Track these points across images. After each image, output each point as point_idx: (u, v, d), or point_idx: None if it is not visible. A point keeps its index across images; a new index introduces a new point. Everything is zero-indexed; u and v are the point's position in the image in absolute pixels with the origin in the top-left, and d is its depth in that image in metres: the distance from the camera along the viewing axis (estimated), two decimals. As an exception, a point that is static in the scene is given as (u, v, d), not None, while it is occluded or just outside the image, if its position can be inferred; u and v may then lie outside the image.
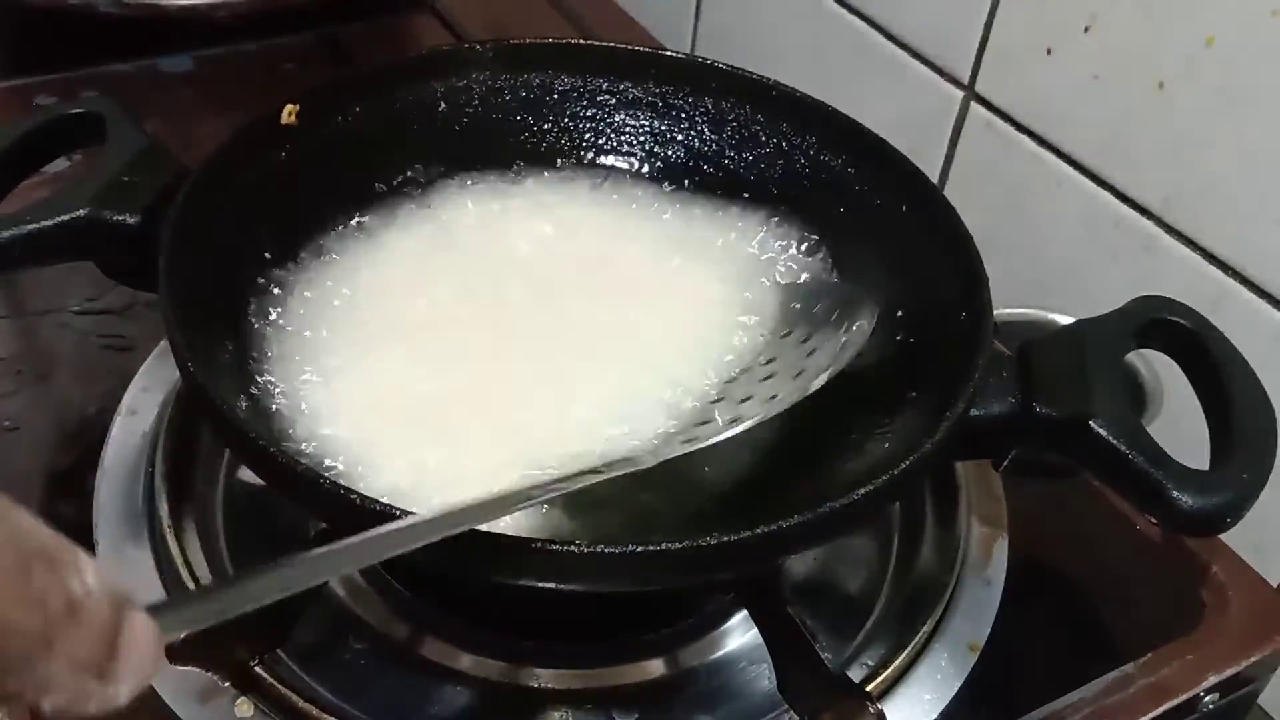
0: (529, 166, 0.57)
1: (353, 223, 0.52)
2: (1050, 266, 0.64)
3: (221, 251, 0.46)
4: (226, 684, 0.42)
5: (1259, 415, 0.43)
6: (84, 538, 0.45)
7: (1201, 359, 0.45)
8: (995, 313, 0.45)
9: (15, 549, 0.21)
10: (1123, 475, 0.42)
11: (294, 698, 0.41)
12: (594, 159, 0.58)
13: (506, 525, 0.39)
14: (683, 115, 0.57)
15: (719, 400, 0.45)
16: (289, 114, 0.50)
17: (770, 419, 0.42)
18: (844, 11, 0.72)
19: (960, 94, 0.66)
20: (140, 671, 0.23)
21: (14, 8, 0.73)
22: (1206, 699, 0.48)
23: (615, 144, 0.58)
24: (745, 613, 0.47)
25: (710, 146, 0.57)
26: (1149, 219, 0.59)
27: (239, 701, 0.41)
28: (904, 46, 0.69)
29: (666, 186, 0.57)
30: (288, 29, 0.78)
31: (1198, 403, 0.45)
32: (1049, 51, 0.61)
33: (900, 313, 0.49)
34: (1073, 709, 0.46)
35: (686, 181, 0.57)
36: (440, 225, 0.54)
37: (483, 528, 0.34)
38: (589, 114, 0.57)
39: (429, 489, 0.42)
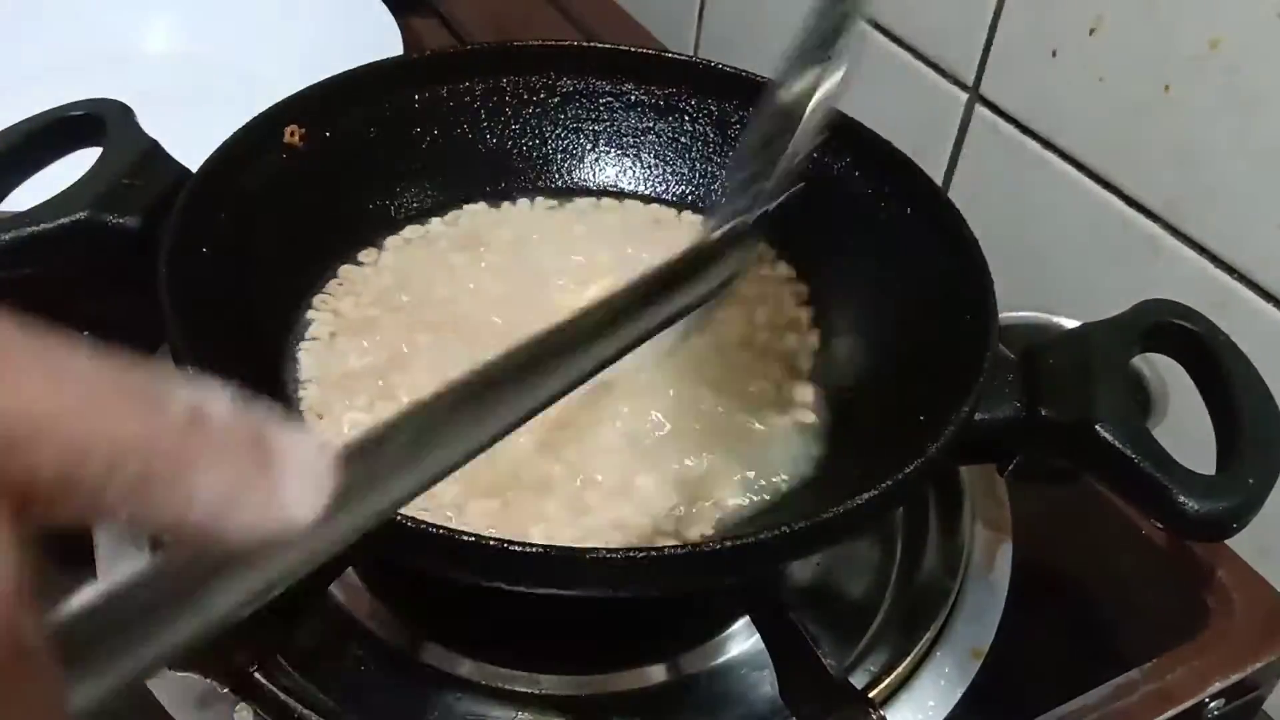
0: (530, 168, 0.57)
1: (354, 225, 0.52)
2: (1055, 269, 0.64)
3: (222, 255, 0.46)
4: (226, 690, 0.41)
5: (1265, 419, 0.43)
6: (83, 539, 0.45)
7: (1207, 363, 0.45)
8: (1000, 316, 0.45)
9: (107, 367, 0.18)
10: (1128, 480, 0.42)
11: (293, 704, 0.41)
12: (596, 162, 0.57)
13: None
14: (686, 117, 0.57)
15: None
16: (291, 134, 0.50)
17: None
18: (848, 13, 0.72)
19: (965, 96, 0.66)
20: (306, 479, 0.20)
21: None
22: (1212, 705, 0.48)
23: (618, 147, 0.57)
24: (747, 618, 0.46)
25: (712, 149, 0.57)
26: (1154, 222, 0.59)
27: (238, 708, 0.41)
28: (908, 48, 0.69)
29: (666, 193, 0.57)
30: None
31: (1203, 407, 0.45)
32: (1054, 54, 0.61)
33: (904, 316, 0.49)
34: (1077, 715, 0.46)
35: (688, 184, 0.57)
36: (442, 231, 0.54)
37: (483, 533, 0.34)
38: (591, 116, 0.57)
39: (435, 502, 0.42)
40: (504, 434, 0.27)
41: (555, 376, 0.29)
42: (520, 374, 0.28)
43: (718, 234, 0.39)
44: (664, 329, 0.35)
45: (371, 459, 0.22)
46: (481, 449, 0.26)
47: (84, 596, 0.19)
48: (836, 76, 0.40)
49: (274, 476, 0.20)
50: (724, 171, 0.51)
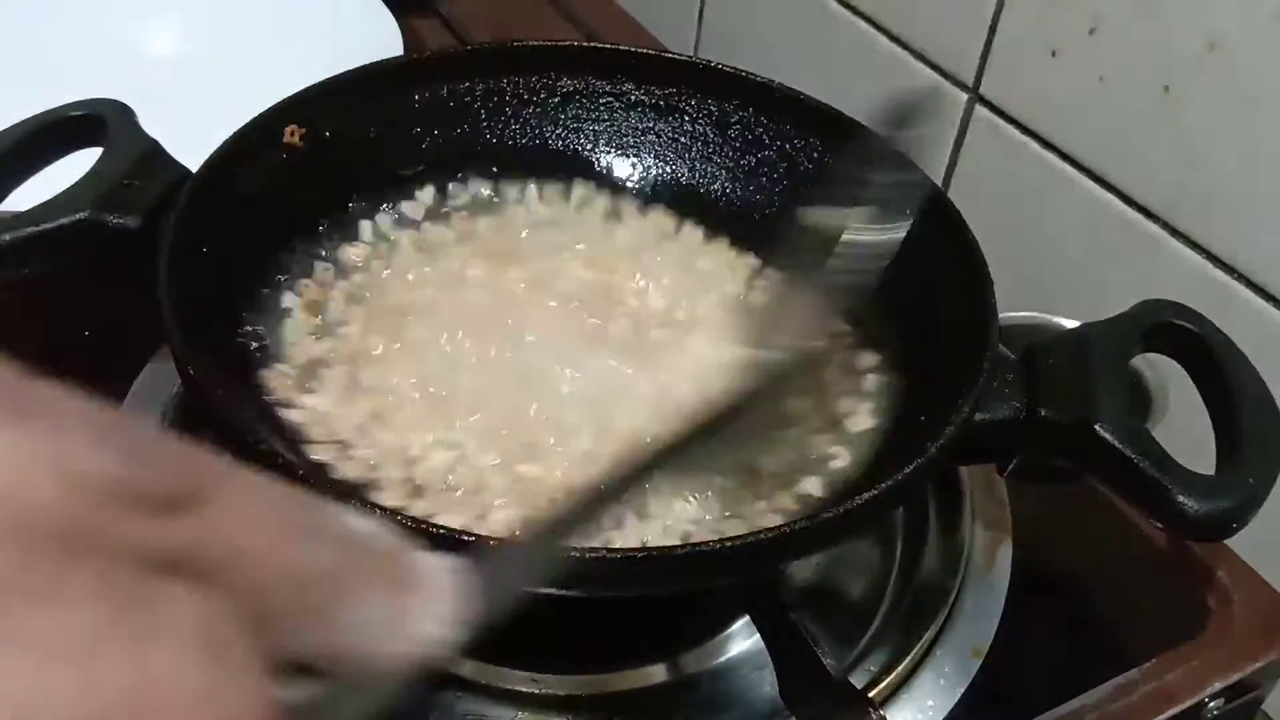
0: (531, 168, 0.57)
1: (355, 228, 0.52)
2: (1055, 269, 0.64)
3: (222, 256, 0.46)
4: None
5: (1265, 419, 0.43)
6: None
7: (1207, 363, 0.45)
8: (1000, 316, 0.45)
9: (285, 499, 0.20)
10: (1128, 479, 0.42)
11: (294, 703, 0.41)
12: (596, 163, 0.57)
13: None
14: (686, 117, 0.57)
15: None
16: (291, 134, 0.50)
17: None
18: (848, 13, 0.72)
19: (965, 96, 0.66)
20: (439, 597, 0.22)
21: None
22: (1211, 705, 0.48)
23: (618, 147, 0.57)
24: (747, 618, 0.46)
25: (712, 149, 0.57)
26: (1154, 222, 0.59)
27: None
28: (908, 48, 0.69)
29: (665, 193, 0.57)
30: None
31: (1203, 407, 0.45)
32: (1054, 54, 0.61)
33: (904, 316, 0.49)
34: (1076, 715, 0.46)
35: (687, 184, 0.57)
36: (442, 231, 0.54)
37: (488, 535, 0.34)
38: (591, 116, 0.57)
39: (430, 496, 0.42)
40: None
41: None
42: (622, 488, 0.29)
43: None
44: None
45: (496, 568, 0.24)
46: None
47: None
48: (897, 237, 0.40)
49: (421, 603, 0.21)
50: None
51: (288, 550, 0.20)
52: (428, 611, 0.21)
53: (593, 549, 0.38)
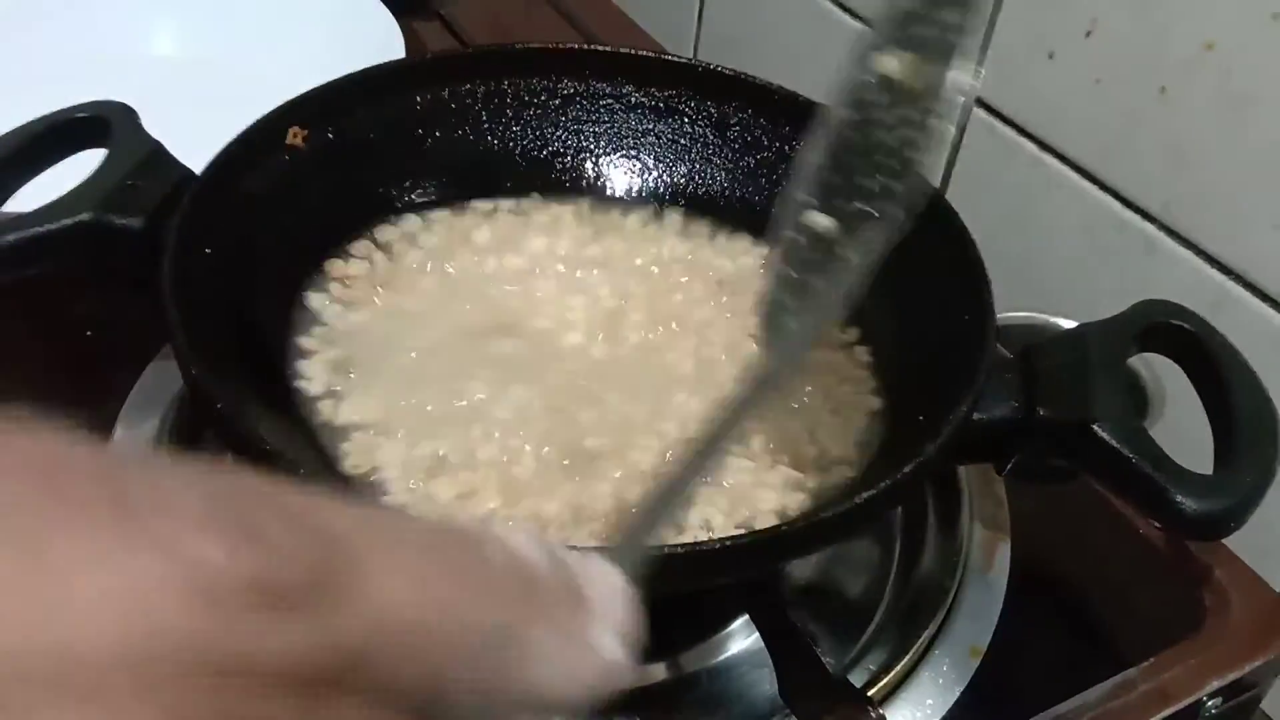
0: (531, 170, 0.57)
1: (357, 227, 0.52)
2: (1052, 270, 0.64)
3: (225, 257, 0.46)
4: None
5: (1262, 419, 0.43)
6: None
7: (1204, 363, 0.45)
8: (997, 316, 0.45)
9: (436, 539, 0.18)
10: (1125, 479, 0.42)
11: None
12: (596, 164, 0.58)
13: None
14: (685, 119, 0.57)
15: None
16: (294, 135, 0.50)
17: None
18: (846, 16, 0.72)
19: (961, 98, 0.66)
20: (615, 614, 0.20)
21: None
22: (1209, 704, 0.48)
23: (618, 149, 0.58)
24: (746, 617, 0.47)
25: (712, 151, 0.57)
26: (1150, 222, 0.59)
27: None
28: (906, 50, 0.69)
29: (665, 194, 0.57)
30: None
31: (1200, 407, 0.45)
32: (1050, 55, 0.61)
33: (901, 317, 0.49)
34: (1075, 714, 0.46)
35: (687, 185, 0.57)
36: (442, 231, 0.54)
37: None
38: (591, 118, 0.58)
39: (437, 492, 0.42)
40: None
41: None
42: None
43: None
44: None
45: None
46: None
47: None
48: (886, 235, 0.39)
49: (595, 625, 0.19)
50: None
51: (450, 611, 0.17)
52: (605, 630, 0.19)
53: (591, 550, 0.38)
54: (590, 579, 0.20)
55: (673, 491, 0.27)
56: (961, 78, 0.37)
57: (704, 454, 0.29)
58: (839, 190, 0.40)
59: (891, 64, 0.38)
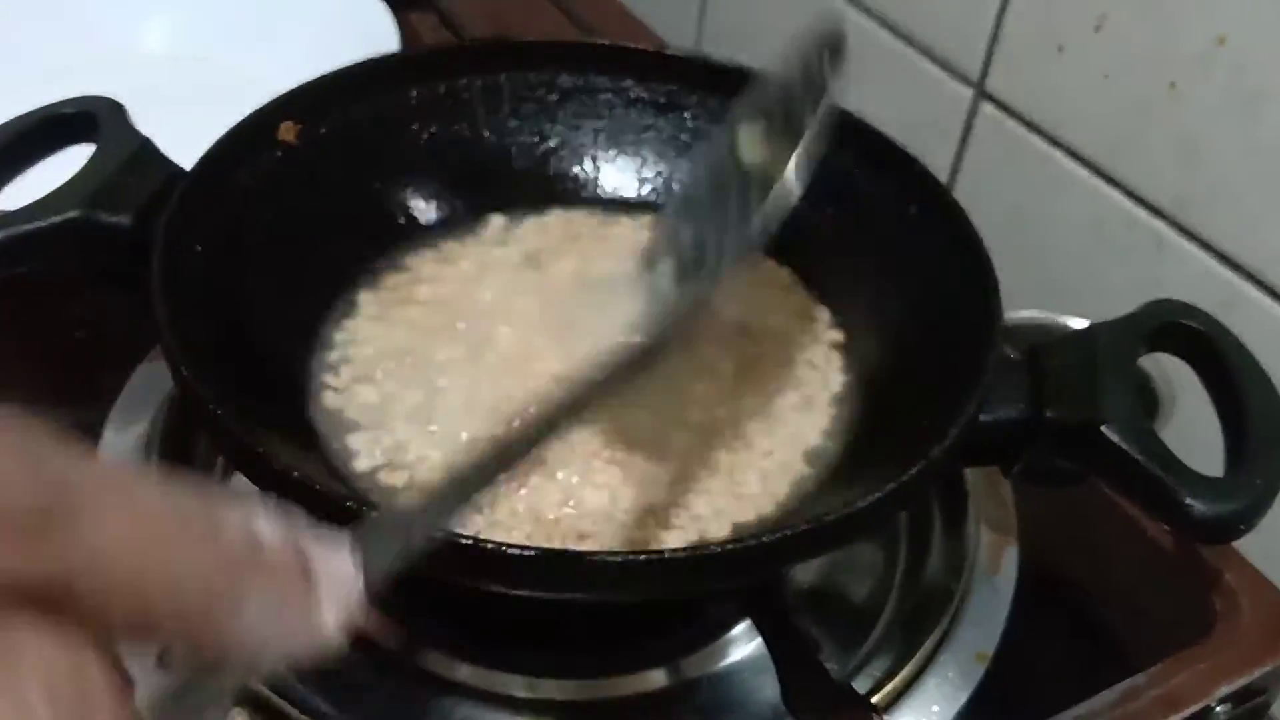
0: (529, 165, 0.56)
1: (349, 223, 0.52)
2: (1060, 268, 0.64)
3: (216, 255, 0.45)
4: (220, 694, 0.41)
5: (1274, 421, 0.43)
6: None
7: (1215, 363, 0.45)
8: (1005, 315, 0.45)
9: (169, 500, 0.20)
10: (1134, 481, 0.41)
11: (290, 709, 0.41)
12: (596, 159, 0.57)
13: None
14: (687, 114, 0.57)
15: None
16: (286, 131, 0.50)
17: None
18: (851, 8, 0.71)
19: (970, 92, 0.66)
20: (342, 597, 0.22)
21: None
22: (1219, 709, 0.48)
23: (617, 143, 0.57)
24: (749, 622, 0.46)
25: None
26: (1161, 219, 0.58)
27: (234, 713, 0.41)
28: (912, 44, 0.68)
29: (666, 190, 0.56)
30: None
31: (1211, 408, 0.45)
32: (1060, 50, 0.60)
33: (908, 316, 0.49)
34: (1083, 720, 0.46)
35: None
36: (442, 230, 0.54)
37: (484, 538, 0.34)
38: (591, 113, 0.57)
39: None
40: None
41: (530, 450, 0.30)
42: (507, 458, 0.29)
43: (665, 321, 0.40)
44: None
45: (394, 528, 0.24)
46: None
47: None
48: (812, 155, 0.40)
49: (313, 603, 0.21)
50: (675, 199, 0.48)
51: (166, 557, 0.19)
52: (324, 601, 0.21)
53: (592, 553, 0.38)
54: (323, 560, 0.22)
55: (480, 473, 0.28)
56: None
57: (524, 438, 0.29)
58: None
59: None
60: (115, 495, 0.19)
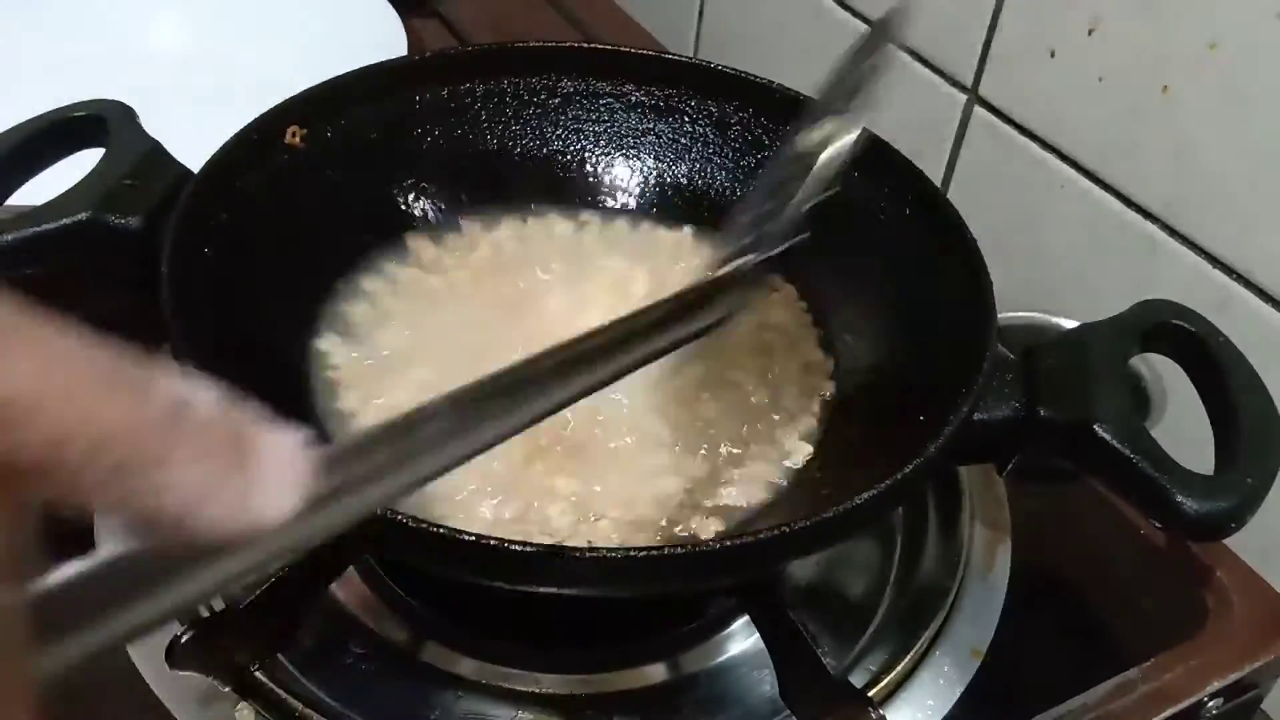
0: (531, 169, 0.57)
1: (355, 225, 0.52)
2: (1054, 270, 0.64)
3: (224, 257, 0.46)
4: (227, 689, 0.41)
5: (1264, 419, 0.43)
6: (84, 539, 0.45)
7: (1206, 363, 0.45)
8: (999, 316, 0.45)
9: (99, 353, 0.18)
10: (1127, 479, 0.42)
11: (294, 703, 0.41)
12: (596, 163, 0.57)
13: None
14: (686, 118, 0.57)
15: None
16: (293, 135, 0.50)
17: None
18: (847, 14, 0.72)
19: (963, 97, 0.66)
20: (282, 479, 0.20)
21: None
22: (1210, 704, 0.48)
23: (617, 147, 0.57)
24: (747, 617, 0.47)
25: (712, 150, 0.57)
26: (1153, 222, 0.59)
27: (239, 707, 0.41)
28: (907, 50, 0.69)
29: (666, 192, 0.57)
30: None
31: (1202, 407, 0.45)
32: (1052, 54, 0.61)
33: (903, 317, 0.49)
34: (1076, 714, 0.46)
35: (687, 184, 0.57)
36: (442, 230, 0.54)
37: (485, 534, 0.34)
38: (591, 117, 0.57)
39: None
40: (490, 446, 0.27)
41: (546, 397, 0.29)
42: (513, 391, 0.28)
43: (721, 272, 0.39)
44: (660, 357, 0.35)
45: (358, 461, 0.23)
46: (466, 459, 0.26)
47: (62, 573, 0.19)
48: (853, 133, 0.41)
49: (249, 475, 0.20)
50: (737, 205, 0.50)
51: (87, 407, 0.18)
52: (263, 479, 0.20)
53: (592, 549, 0.38)
54: (266, 438, 0.20)
55: (480, 396, 0.26)
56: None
57: (544, 369, 0.29)
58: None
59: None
60: (32, 341, 0.18)
